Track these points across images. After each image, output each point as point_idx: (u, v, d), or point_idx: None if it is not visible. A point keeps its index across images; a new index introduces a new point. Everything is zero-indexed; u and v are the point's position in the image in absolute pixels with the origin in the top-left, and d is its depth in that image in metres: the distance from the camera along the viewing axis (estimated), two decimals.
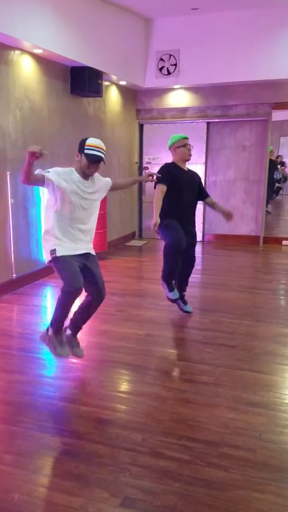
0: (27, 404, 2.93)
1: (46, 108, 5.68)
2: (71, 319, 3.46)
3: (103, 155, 3.13)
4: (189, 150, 4.29)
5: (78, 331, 3.50)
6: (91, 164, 3.11)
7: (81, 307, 3.44)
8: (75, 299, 3.14)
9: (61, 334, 3.31)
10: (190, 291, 5.45)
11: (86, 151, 3.08)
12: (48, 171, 3.14)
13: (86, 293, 3.34)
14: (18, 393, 3.06)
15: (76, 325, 3.47)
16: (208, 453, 2.43)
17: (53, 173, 3.13)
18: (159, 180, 4.06)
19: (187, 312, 4.53)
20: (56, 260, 3.17)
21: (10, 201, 5.10)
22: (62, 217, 3.17)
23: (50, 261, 3.23)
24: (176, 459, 2.38)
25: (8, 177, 5.03)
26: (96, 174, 3.30)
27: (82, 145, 3.13)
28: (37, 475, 2.28)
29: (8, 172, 5.03)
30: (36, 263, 5.68)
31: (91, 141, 3.12)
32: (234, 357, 3.60)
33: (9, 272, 5.22)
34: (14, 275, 5.27)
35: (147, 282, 5.88)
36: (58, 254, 3.15)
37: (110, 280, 5.14)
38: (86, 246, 3.31)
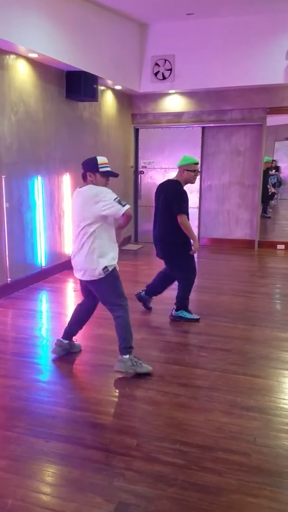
0: (21, 409, 2.92)
1: (42, 112, 5.69)
2: (67, 329, 3.69)
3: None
4: (196, 175, 4.41)
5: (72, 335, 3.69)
6: (107, 180, 3.39)
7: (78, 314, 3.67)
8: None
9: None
10: None
11: (101, 169, 3.32)
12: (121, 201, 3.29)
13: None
14: (12, 398, 3.05)
15: (71, 332, 3.70)
16: (202, 458, 2.43)
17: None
18: (182, 211, 4.24)
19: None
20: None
21: (5, 205, 5.09)
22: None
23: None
24: (171, 464, 2.38)
25: (3, 181, 5.03)
26: None
27: (95, 165, 3.31)
28: (31, 480, 2.27)
29: (3, 176, 5.02)
30: (31, 267, 5.67)
31: (102, 160, 3.34)
32: (229, 361, 3.60)
33: (4, 276, 5.20)
34: (9, 279, 5.25)
35: (142, 286, 5.86)
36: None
37: None
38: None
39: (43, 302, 5.27)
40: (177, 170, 4.41)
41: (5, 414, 2.85)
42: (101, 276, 3.26)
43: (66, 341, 3.68)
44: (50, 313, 4.84)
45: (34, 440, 2.58)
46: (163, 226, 4.39)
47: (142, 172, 8.72)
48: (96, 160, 3.31)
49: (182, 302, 4.54)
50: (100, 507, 2.08)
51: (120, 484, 2.23)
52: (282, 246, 8.16)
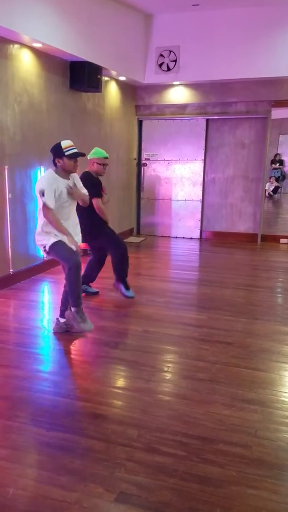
0: (23, 399, 2.93)
1: (45, 103, 5.65)
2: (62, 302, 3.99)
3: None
4: (105, 168, 4.71)
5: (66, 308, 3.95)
6: (76, 161, 3.58)
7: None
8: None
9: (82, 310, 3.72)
10: (187, 288, 5.47)
11: (67, 152, 3.51)
12: (45, 196, 3.50)
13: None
14: (14, 388, 3.06)
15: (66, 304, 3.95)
16: (203, 449, 2.43)
17: (50, 193, 3.49)
18: (97, 194, 4.53)
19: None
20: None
21: (7, 195, 5.08)
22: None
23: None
24: (172, 455, 2.39)
25: (6, 172, 5.01)
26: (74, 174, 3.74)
27: (60, 149, 3.53)
28: (32, 469, 2.28)
29: (6, 167, 5.01)
30: (33, 258, 5.67)
31: (66, 143, 3.55)
32: (230, 354, 3.60)
33: (6, 267, 5.20)
34: (11, 270, 5.25)
35: (145, 279, 5.87)
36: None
37: (107, 277, 5.12)
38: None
39: (45, 293, 5.27)
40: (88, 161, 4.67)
41: (7, 404, 2.86)
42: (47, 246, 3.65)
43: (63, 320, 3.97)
44: (52, 304, 4.84)
45: (36, 430, 2.59)
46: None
47: (145, 164, 8.68)
48: (61, 145, 3.53)
49: (120, 275, 4.81)
50: (101, 497, 2.09)
51: (121, 474, 2.24)
52: (285, 240, 8.14)
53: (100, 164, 4.61)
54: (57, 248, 3.61)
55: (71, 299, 3.68)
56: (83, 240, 4.28)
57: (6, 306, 4.71)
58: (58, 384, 3.13)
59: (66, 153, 3.51)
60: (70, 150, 3.52)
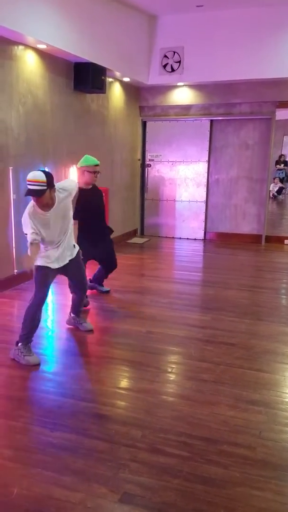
0: (27, 399, 2.93)
1: (49, 104, 5.67)
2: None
3: (38, 187, 3.12)
4: (96, 176, 4.40)
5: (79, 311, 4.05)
6: (35, 199, 3.20)
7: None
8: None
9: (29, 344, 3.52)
10: (191, 289, 5.46)
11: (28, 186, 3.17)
12: (32, 233, 3.28)
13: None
14: (18, 388, 3.07)
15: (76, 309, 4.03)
16: (207, 450, 2.43)
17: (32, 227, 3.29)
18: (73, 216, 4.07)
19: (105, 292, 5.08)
20: None
21: (12, 196, 5.09)
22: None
23: None
24: (176, 456, 2.38)
25: (10, 173, 5.02)
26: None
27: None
28: (36, 469, 2.28)
29: (10, 168, 5.02)
30: None
31: (28, 176, 3.15)
32: (234, 355, 3.59)
33: (11, 267, 5.21)
34: (16, 271, 5.26)
35: (148, 280, 5.87)
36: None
37: (111, 277, 5.13)
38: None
39: (49, 293, 5.26)
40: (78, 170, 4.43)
41: (11, 404, 2.86)
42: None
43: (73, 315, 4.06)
44: (56, 305, 4.85)
45: (40, 430, 2.59)
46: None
47: (149, 165, 8.68)
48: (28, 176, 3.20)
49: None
50: (105, 498, 2.09)
51: (125, 475, 2.24)
52: None
53: (90, 172, 4.32)
54: (37, 273, 3.46)
55: (21, 333, 3.47)
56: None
57: (10, 306, 4.72)
58: (62, 385, 3.13)
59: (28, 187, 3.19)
60: (28, 184, 3.16)
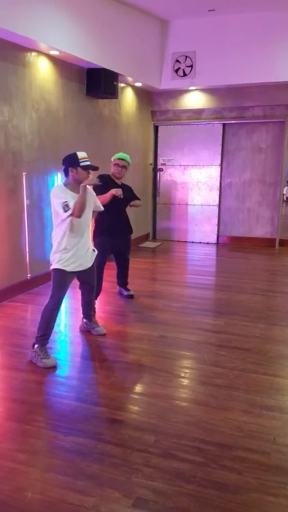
0: (41, 403, 2.94)
1: (62, 110, 5.71)
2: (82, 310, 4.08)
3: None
4: (119, 170, 4.76)
5: (91, 316, 4.07)
6: (88, 173, 3.55)
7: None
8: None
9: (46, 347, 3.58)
10: (204, 293, 5.44)
11: (82, 163, 3.48)
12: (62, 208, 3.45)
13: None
14: (32, 392, 3.08)
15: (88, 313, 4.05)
16: (221, 456, 2.41)
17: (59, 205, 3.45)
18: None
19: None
20: None
21: (25, 201, 5.14)
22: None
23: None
24: (189, 461, 2.37)
25: (23, 178, 5.07)
26: None
27: (76, 160, 3.48)
28: (50, 474, 2.29)
29: (24, 173, 5.07)
30: (50, 263, 5.69)
31: (82, 155, 3.50)
32: (248, 360, 3.57)
33: (24, 272, 5.25)
34: (29, 275, 5.30)
35: (161, 284, 5.87)
36: None
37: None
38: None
39: (65, 296, 5.29)
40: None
41: (25, 408, 2.87)
42: (51, 268, 3.60)
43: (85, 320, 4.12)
44: (69, 309, 4.87)
45: (53, 434, 2.60)
46: (125, 215, 5.06)
47: (161, 170, 8.69)
48: (77, 155, 3.50)
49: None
50: (118, 502, 2.09)
51: (138, 480, 2.23)
52: None
53: (113, 164, 4.75)
54: (56, 275, 3.56)
55: (37, 334, 3.51)
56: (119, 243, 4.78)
57: (23, 310, 4.75)
58: (75, 389, 3.13)
59: (81, 164, 3.49)
60: (85, 161, 3.50)
